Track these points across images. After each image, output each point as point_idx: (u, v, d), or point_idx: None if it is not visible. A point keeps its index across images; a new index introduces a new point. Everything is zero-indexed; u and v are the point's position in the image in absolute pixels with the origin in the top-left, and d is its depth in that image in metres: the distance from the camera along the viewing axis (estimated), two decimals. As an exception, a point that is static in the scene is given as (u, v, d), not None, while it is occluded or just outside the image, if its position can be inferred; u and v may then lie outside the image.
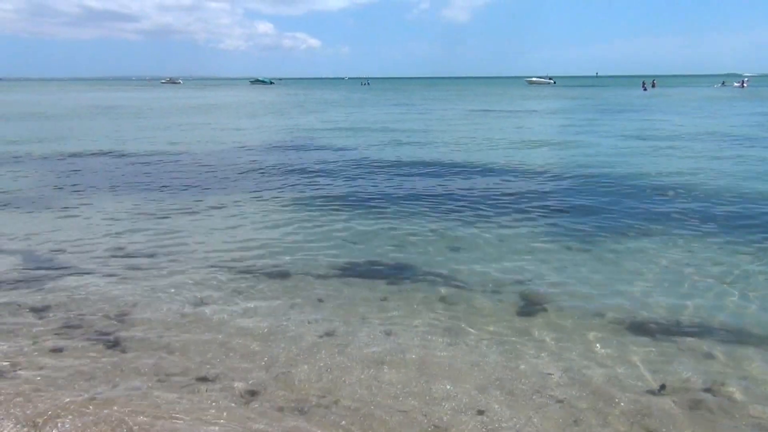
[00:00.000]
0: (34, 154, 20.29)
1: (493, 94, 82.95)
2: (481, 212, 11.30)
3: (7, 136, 26.39)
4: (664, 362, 5.43)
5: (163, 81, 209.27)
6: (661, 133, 26.34)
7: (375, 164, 17.67)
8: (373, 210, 11.59)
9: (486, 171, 16.27)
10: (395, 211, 11.50)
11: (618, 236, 9.55)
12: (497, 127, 31.12)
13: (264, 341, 5.83)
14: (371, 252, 8.84)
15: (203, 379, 5.07)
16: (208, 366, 5.31)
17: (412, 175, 15.63)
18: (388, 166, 17.20)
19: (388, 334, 6.06)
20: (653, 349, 5.68)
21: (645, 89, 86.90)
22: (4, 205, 12.27)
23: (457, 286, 7.38)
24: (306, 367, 5.31)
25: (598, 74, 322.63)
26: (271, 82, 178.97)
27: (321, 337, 5.95)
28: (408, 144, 23.09)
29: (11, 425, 4.33)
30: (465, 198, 12.60)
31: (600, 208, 11.60)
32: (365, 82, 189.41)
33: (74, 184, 14.58)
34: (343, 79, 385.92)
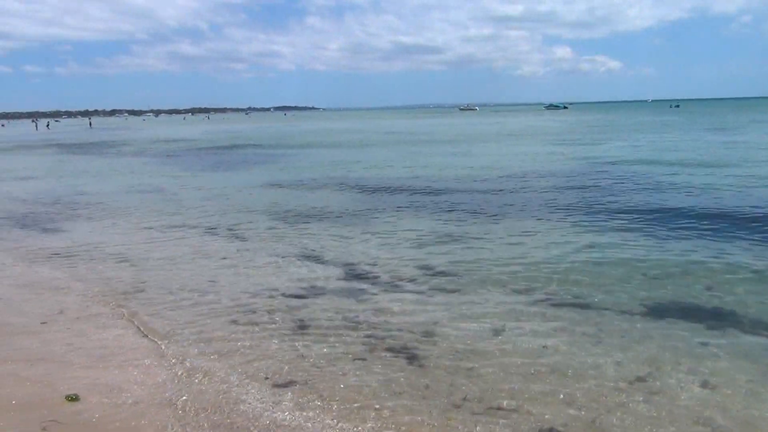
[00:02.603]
0: (353, 176, 23.00)
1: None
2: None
3: (333, 160, 30.42)
4: None
5: (461, 108, 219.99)
6: None
7: (684, 193, 16.07)
8: (681, 243, 10.51)
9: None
10: (706, 245, 10.28)
11: None
12: None
13: (564, 376, 5.61)
14: (683, 289, 7.99)
15: (498, 409, 5.03)
16: (504, 395, 5.27)
17: (728, 207, 13.79)
18: (698, 196, 15.50)
19: (706, 386, 5.38)
20: None
21: None
22: (325, 220, 14.08)
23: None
24: (610, 410, 4.96)
25: None
26: (565, 107, 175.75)
27: (628, 380, 5.51)
28: (720, 173, 20.49)
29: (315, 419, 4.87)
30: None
31: None
32: (674, 104, 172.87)
33: (382, 204, 16.09)
34: (646, 101, 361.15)
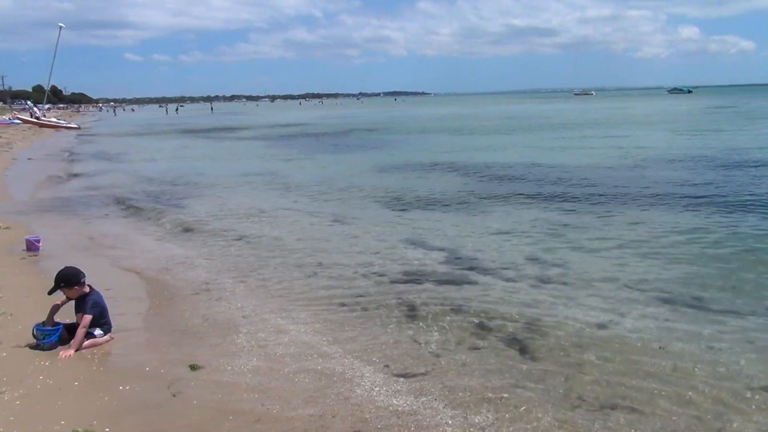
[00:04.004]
0: (463, 162, 22.80)
1: None
2: None
3: (444, 146, 30.30)
4: None
5: (576, 93, 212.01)
6: None
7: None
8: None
9: None
10: None
11: None
12: None
13: (684, 377, 5.31)
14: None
15: (615, 407, 4.81)
16: (621, 393, 5.04)
17: None
18: None
19: None
20: None
21: None
22: (434, 206, 14.10)
23: None
24: (737, 417, 4.65)
25: None
26: (689, 91, 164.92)
27: (754, 386, 5.12)
28: None
29: (441, 408, 4.86)
30: None
31: None
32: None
33: (493, 191, 15.87)
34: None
